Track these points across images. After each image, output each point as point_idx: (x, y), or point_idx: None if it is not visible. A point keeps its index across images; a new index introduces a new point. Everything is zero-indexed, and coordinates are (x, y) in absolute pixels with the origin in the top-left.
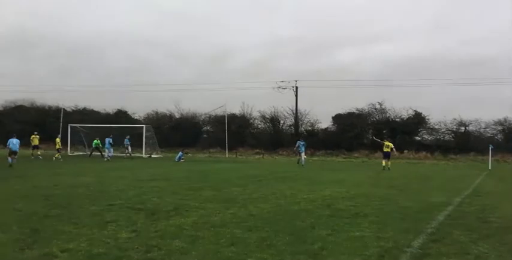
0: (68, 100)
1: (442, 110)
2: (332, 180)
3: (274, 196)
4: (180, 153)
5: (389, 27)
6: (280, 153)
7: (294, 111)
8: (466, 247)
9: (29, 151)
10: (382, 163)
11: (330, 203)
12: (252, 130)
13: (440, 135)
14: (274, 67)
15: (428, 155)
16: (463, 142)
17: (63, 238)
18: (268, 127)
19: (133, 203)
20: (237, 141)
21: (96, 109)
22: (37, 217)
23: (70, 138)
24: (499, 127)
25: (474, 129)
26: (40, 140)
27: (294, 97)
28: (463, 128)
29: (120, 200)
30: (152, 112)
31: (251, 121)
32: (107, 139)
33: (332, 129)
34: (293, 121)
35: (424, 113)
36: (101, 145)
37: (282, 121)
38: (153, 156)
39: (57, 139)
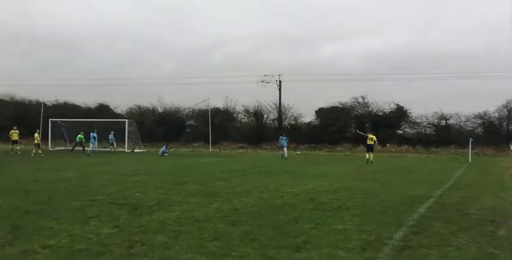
0: (49, 95)
1: (424, 104)
2: (315, 173)
3: (257, 190)
4: (164, 147)
5: (372, 21)
6: (264, 147)
7: (278, 105)
8: (446, 239)
9: (9, 147)
10: (366, 156)
11: (313, 197)
12: (235, 124)
13: (421, 129)
14: (258, 61)
15: (410, 148)
16: (444, 135)
17: (45, 234)
18: (251, 121)
19: (116, 198)
20: (220, 135)
21: (77, 103)
22: (17, 213)
23: (51, 132)
24: (479, 121)
25: (455, 122)
26: (20, 135)
27: (278, 91)
28: (443, 122)
29: (102, 195)
30: (135, 107)
31: (235, 115)
32: (91, 134)
33: (315, 123)
34: (277, 115)
35: (406, 107)
36: (84, 140)
37: (265, 115)
38: (135, 150)
39: (36, 134)
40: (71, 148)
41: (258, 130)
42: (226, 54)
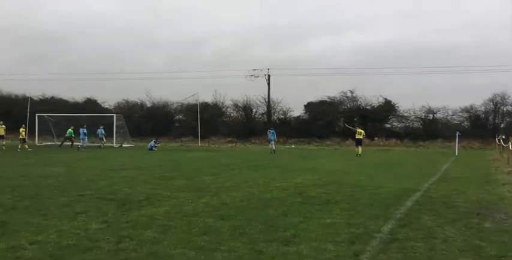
0: (35, 89)
1: (411, 98)
2: (304, 167)
3: (246, 184)
4: (153, 141)
5: (361, 15)
6: (253, 141)
7: (267, 100)
8: (433, 232)
9: None
10: (354, 150)
11: (302, 191)
12: (224, 119)
13: (409, 123)
14: (247, 55)
15: (398, 142)
16: (431, 129)
17: (32, 230)
18: (240, 115)
19: (104, 193)
20: (209, 129)
21: (64, 98)
22: (4, 209)
23: (38, 127)
24: (466, 115)
25: (442, 116)
26: (6, 130)
27: (267, 86)
28: (431, 115)
29: (90, 190)
30: (123, 101)
31: (224, 109)
32: (81, 130)
33: (304, 117)
34: (265, 109)
35: (394, 101)
36: (73, 135)
37: (254, 110)
38: (124, 145)
39: (22, 129)
40: (59, 143)
41: (247, 124)
42: (215, 49)
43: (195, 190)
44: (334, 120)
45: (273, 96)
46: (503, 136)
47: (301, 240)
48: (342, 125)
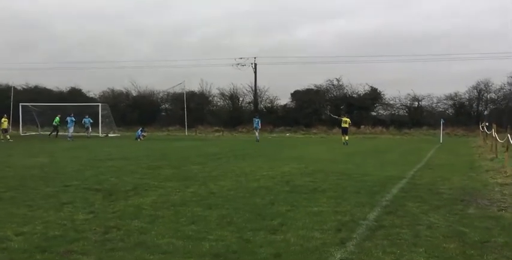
0: (19, 79)
1: (397, 86)
2: (291, 156)
3: (233, 173)
4: (139, 130)
5: (347, 3)
6: (240, 130)
7: (253, 88)
8: (418, 218)
9: None
10: (341, 138)
11: (289, 180)
12: (211, 108)
13: (395, 110)
14: (233, 44)
15: (384, 130)
16: (416, 117)
17: (18, 221)
18: (227, 104)
19: (90, 183)
20: (196, 118)
21: (48, 87)
22: None
23: (22, 117)
24: (450, 102)
25: (427, 104)
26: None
27: (253, 74)
28: (416, 103)
29: (77, 181)
30: (108, 90)
31: (210, 98)
32: (68, 118)
33: (291, 106)
34: (252, 98)
35: (380, 89)
36: (59, 124)
37: (241, 99)
38: (110, 135)
39: (3, 119)
40: (43, 133)
41: (234, 113)
42: (201, 37)
43: (182, 180)
44: (320, 108)
45: (260, 84)
46: (487, 123)
47: (289, 228)
48: (328, 114)
